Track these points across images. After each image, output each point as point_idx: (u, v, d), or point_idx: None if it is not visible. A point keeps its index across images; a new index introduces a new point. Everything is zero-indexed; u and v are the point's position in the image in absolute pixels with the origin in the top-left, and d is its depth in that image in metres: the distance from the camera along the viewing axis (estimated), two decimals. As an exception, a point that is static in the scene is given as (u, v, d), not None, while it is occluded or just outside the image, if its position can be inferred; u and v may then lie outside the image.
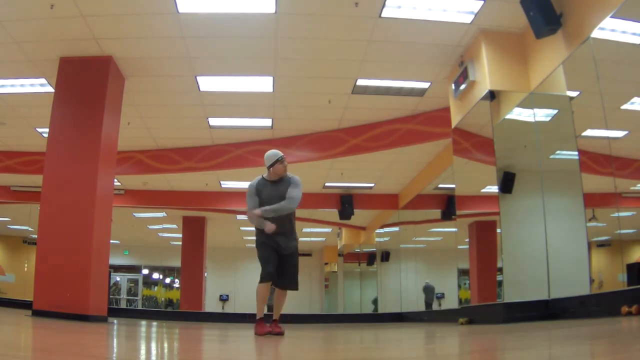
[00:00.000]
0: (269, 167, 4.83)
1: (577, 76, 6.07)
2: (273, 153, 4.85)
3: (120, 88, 7.70)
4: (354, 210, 13.96)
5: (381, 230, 16.91)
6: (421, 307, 13.83)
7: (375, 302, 17.89)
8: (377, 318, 14.32)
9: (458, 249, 9.99)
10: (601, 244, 6.95)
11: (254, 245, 4.91)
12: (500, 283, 7.26)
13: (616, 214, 6.46)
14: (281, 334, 4.75)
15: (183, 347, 3.24)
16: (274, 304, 4.98)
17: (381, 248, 17.74)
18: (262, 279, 4.64)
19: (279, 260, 4.74)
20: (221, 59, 7.47)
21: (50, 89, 7.82)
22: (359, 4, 6.09)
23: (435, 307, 14.29)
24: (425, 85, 8.12)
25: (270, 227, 4.61)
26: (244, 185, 13.72)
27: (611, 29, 5.24)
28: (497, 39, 6.60)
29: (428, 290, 16.11)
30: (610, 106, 5.86)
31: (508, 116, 6.79)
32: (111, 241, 7.84)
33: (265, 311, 4.83)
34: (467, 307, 7.69)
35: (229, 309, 22.33)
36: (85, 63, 7.20)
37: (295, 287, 4.87)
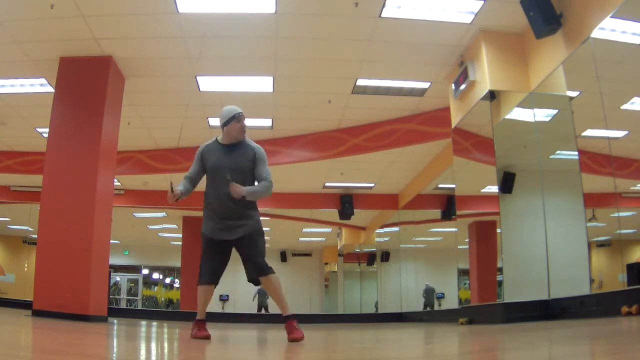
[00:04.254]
0: (222, 126, 3.90)
1: (577, 76, 6.07)
2: (229, 109, 3.95)
3: (120, 88, 7.70)
4: (354, 210, 13.96)
5: (381, 230, 16.91)
6: (421, 307, 13.83)
7: (376, 305, 17.85)
8: (377, 318, 14.32)
9: (458, 249, 9.99)
10: (601, 244, 6.95)
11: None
12: (500, 283, 7.26)
13: (616, 214, 6.46)
14: (299, 339, 3.56)
15: (183, 347, 3.24)
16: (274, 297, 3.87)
17: (381, 248, 17.74)
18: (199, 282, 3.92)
19: (239, 249, 3.83)
20: (221, 59, 7.47)
21: (50, 89, 7.82)
22: (359, 4, 6.09)
23: (435, 307, 14.29)
24: (425, 85, 8.12)
25: (171, 196, 3.83)
26: (244, 185, 13.85)
27: (611, 29, 5.24)
28: (497, 39, 6.60)
29: (428, 293, 16.21)
30: (610, 106, 5.86)
31: (508, 116, 6.79)
32: (111, 241, 7.84)
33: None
34: (467, 307, 7.69)
35: (229, 309, 22.33)
36: (85, 63, 7.20)
37: (261, 269, 3.76)
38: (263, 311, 19.59)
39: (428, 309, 15.90)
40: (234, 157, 3.83)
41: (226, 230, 3.79)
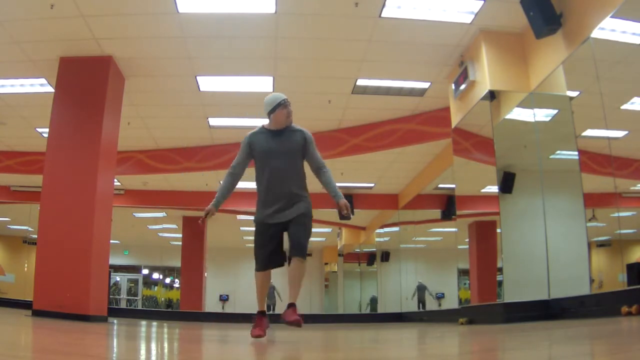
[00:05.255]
0: (269, 114, 3.99)
1: (577, 76, 6.07)
2: (274, 96, 4.01)
3: (120, 88, 7.70)
4: (354, 210, 13.96)
5: (381, 230, 16.91)
6: (417, 306, 13.84)
7: (372, 301, 17.79)
8: (377, 318, 14.32)
9: (458, 249, 9.99)
10: (601, 244, 6.95)
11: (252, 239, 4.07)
12: (500, 283, 7.26)
13: (616, 214, 6.46)
14: (297, 323, 3.67)
15: (183, 347, 3.24)
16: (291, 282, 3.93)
17: (381, 248, 17.74)
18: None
19: (289, 229, 3.86)
20: (221, 59, 7.47)
21: (50, 89, 7.82)
22: (359, 4, 6.09)
23: (433, 306, 14.30)
24: (425, 85, 8.12)
25: (210, 209, 3.93)
26: (244, 185, 13.85)
27: (611, 29, 5.24)
28: (497, 39, 6.60)
29: (420, 290, 16.32)
30: (610, 106, 5.86)
31: (508, 116, 6.79)
32: (111, 241, 7.84)
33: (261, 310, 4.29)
34: (467, 307, 7.69)
35: (229, 309, 22.34)
36: (85, 63, 7.20)
37: (300, 250, 3.82)
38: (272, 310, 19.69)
39: (421, 306, 16.05)
40: (283, 142, 3.93)
41: (279, 213, 3.85)
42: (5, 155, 11.24)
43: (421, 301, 16.17)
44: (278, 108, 3.93)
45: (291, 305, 3.76)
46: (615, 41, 5.42)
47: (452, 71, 7.52)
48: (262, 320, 3.92)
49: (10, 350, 2.27)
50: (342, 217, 4.32)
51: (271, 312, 19.02)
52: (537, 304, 6.02)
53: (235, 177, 4.11)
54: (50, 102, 7.29)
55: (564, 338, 3.02)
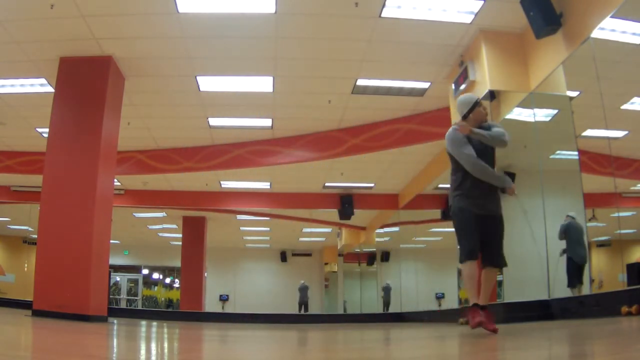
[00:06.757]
0: (467, 114, 4.06)
1: (577, 76, 6.07)
2: (468, 96, 4.16)
3: (120, 88, 7.70)
4: (354, 210, 13.96)
5: (381, 230, 16.91)
6: (422, 307, 13.84)
7: (386, 291, 17.54)
8: (377, 318, 14.31)
9: (458, 249, 9.99)
10: (601, 244, 6.96)
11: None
12: (500, 283, 7.26)
13: (616, 214, 6.46)
14: (494, 331, 3.82)
15: (183, 347, 3.24)
16: (482, 285, 4.02)
17: (381, 248, 17.74)
18: (466, 258, 3.92)
19: (483, 228, 3.92)
20: (221, 59, 7.47)
21: (50, 89, 7.82)
22: (359, 4, 6.08)
23: (427, 307, 14.28)
24: (425, 85, 8.12)
25: (513, 188, 3.97)
26: (244, 185, 13.91)
27: (611, 29, 5.24)
28: (497, 39, 6.60)
29: (386, 291, 16.37)
30: (610, 106, 5.87)
31: (508, 116, 6.78)
32: (111, 241, 7.84)
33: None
34: (467, 307, 7.69)
35: (229, 309, 22.34)
36: (85, 63, 7.19)
37: (503, 261, 3.99)
38: (302, 310, 19.70)
39: (385, 308, 16.11)
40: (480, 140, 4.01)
41: (484, 206, 3.97)
42: (5, 155, 11.24)
43: (386, 303, 16.30)
44: (476, 107, 4.07)
45: (485, 308, 3.94)
46: (615, 41, 5.42)
47: (452, 71, 7.52)
48: (477, 311, 3.95)
49: (11, 350, 2.27)
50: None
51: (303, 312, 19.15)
52: (537, 304, 6.02)
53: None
54: (50, 102, 7.29)
55: (564, 338, 3.02)
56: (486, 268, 4.03)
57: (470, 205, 3.97)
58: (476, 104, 4.04)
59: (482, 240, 3.92)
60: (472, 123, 4.03)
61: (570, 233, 6.55)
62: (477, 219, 3.94)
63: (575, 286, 6.24)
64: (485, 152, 4.01)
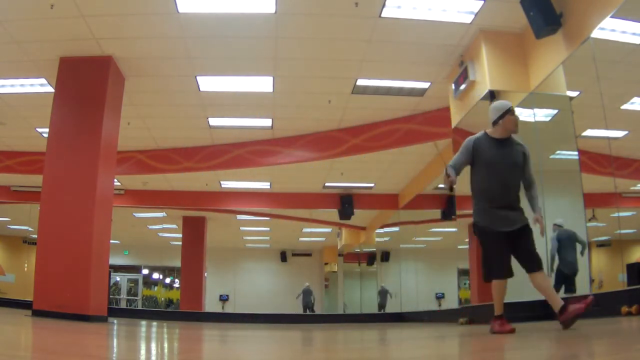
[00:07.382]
0: (496, 121, 3.93)
1: (577, 76, 6.07)
2: (502, 102, 4.01)
3: (120, 88, 7.70)
4: (354, 210, 13.96)
5: (381, 230, 16.91)
6: (422, 307, 13.84)
7: (382, 295, 17.52)
8: (377, 318, 14.32)
9: (458, 249, 9.99)
10: (601, 244, 6.96)
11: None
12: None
13: (616, 214, 6.46)
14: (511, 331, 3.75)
15: (183, 347, 3.24)
16: (543, 293, 3.88)
17: (381, 248, 17.74)
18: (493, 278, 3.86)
19: (516, 240, 3.83)
20: (221, 59, 7.47)
21: (50, 89, 7.82)
22: (359, 4, 6.09)
23: (420, 308, 14.29)
24: (425, 85, 8.12)
25: (447, 182, 3.85)
26: (244, 185, 13.91)
27: (611, 29, 5.24)
28: (497, 39, 6.60)
29: (382, 294, 16.36)
30: (610, 106, 5.86)
31: (508, 116, 6.78)
32: (111, 241, 7.84)
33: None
34: (467, 307, 7.70)
35: (229, 309, 22.33)
36: (85, 63, 7.20)
37: (540, 262, 3.84)
38: (308, 312, 19.63)
39: (382, 310, 16.12)
40: (509, 153, 3.90)
41: (507, 221, 3.84)
42: (5, 155, 11.24)
43: (382, 306, 16.29)
44: (507, 114, 3.90)
45: (564, 309, 3.72)
46: (615, 41, 5.42)
47: (452, 71, 7.52)
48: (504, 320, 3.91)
49: (10, 350, 2.27)
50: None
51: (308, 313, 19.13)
52: (537, 304, 6.01)
53: (457, 172, 4.03)
54: (50, 102, 7.29)
55: (564, 338, 3.02)
56: (531, 274, 3.85)
57: (491, 222, 3.86)
58: (508, 111, 3.90)
59: (516, 254, 3.84)
60: (501, 131, 3.92)
61: (560, 244, 6.62)
62: (502, 236, 3.83)
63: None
64: (503, 165, 3.85)
